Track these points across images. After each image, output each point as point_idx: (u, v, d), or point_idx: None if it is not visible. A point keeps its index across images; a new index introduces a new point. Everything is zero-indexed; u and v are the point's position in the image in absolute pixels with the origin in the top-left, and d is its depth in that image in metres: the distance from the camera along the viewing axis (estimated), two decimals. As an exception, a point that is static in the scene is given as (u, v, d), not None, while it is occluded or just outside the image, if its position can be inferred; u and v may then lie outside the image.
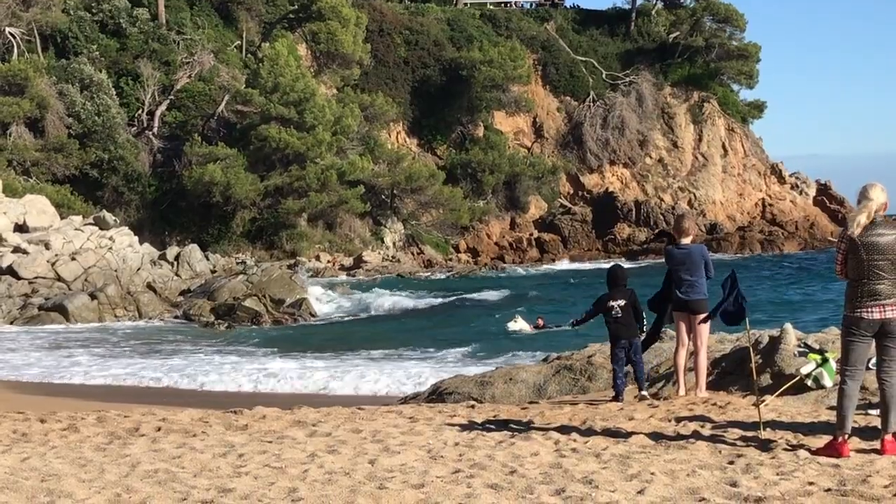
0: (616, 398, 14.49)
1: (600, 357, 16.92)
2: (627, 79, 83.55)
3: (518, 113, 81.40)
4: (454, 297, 50.46)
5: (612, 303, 14.58)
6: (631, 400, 14.47)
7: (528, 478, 9.65)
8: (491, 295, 51.10)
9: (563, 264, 71.67)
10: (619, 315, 14.53)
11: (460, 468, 10.19)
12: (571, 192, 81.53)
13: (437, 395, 17.70)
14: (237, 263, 58.24)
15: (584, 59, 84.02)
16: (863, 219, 10.20)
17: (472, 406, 15.20)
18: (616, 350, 14.64)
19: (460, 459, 10.70)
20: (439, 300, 50.10)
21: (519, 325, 37.04)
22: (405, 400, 18.75)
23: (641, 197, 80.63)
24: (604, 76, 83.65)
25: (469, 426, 12.84)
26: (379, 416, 14.30)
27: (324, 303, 48.29)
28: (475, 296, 51.08)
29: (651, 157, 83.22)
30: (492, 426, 12.80)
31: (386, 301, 49.09)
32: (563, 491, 9.04)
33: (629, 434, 11.80)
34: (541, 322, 37.37)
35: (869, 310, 10.22)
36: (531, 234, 77.51)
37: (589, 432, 12.06)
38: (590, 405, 14.31)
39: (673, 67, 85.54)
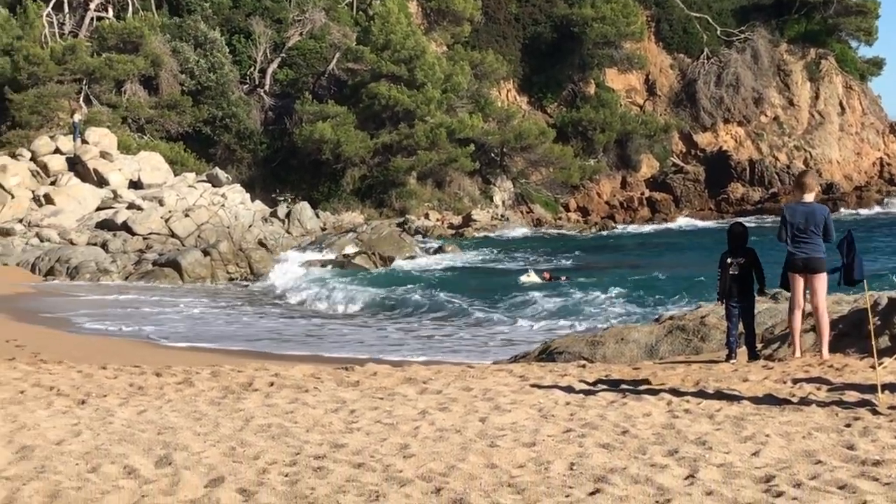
0: (729, 356, 14.38)
1: (714, 318, 16.73)
2: (742, 35, 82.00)
3: (630, 70, 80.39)
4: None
5: (730, 259, 14.51)
6: (744, 361, 14.32)
7: (641, 438, 9.57)
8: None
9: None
10: (736, 273, 14.44)
11: (571, 427, 10.14)
12: (684, 150, 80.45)
13: (547, 354, 17.66)
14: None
15: (698, 15, 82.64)
16: None
17: (583, 365, 15.14)
18: (730, 307, 14.53)
19: (571, 419, 10.65)
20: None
21: (532, 278, 38.69)
22: (515, 359, 18.73)
23: (756, 156, 79.28)
24: (718, 33, 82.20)
25: (580, 385, 12.78)
26: (489, 374, 14.31)
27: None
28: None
29: (766, 116, 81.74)
30: (603, 386, 12.73)
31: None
32: (676, 452, 8.95)
33: (743, 395, 11.65)
34: (547, 275, 39.24)
35: None
36: (642, 194, 76.67)
37: (702, 393, 11.93)
38: (703, 366, 14.17)
39: (789, 24, 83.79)
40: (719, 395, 11.73)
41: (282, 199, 61.31)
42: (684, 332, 16.83)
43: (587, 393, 12.22)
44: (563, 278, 39.30)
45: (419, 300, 34.05)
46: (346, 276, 41.80)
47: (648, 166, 78.51)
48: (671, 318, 18.09)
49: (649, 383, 12.75)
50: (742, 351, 14.64)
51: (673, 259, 48.09)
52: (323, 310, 34.41)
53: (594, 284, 36.75)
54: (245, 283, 41.77)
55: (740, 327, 14.66)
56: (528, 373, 14.22)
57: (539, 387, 12.76)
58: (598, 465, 8.55)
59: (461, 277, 41.88)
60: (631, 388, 12.46)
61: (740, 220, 19.90)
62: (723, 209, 75.22)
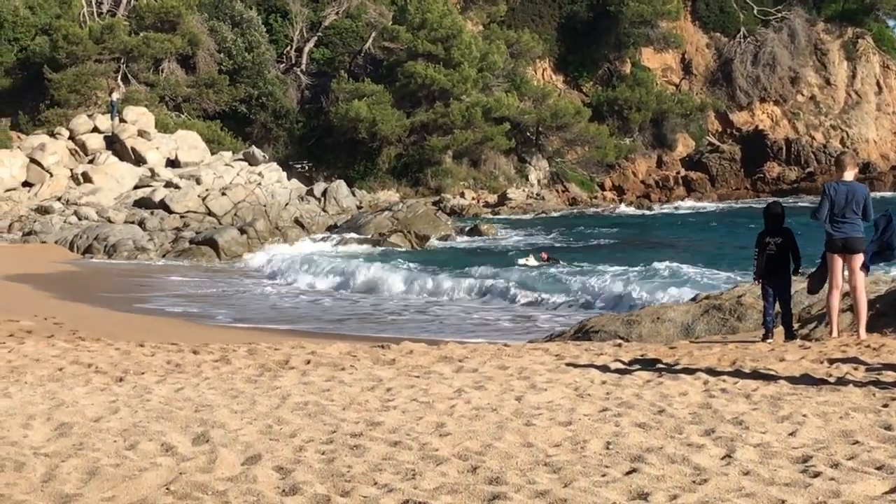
0: (766, 336, 14.36)
1: (750, 297, 16.68)
2: (779, 14, 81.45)
3: (666, 49, 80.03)
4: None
5: (768, 239, 14.51)
6: (781, 340, 14.27)
7: (677, 417, 9.55)
8: None
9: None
10: (773, 252, 14.44)
11: (608, 406, 10.13)
12: (720, 129, 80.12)
13: (582, 333, 17.65)
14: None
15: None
16: None
17: (619, 345, 15.12)
18: (766, 287, 14.52)
19: (607, 398, 10.64)
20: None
21: (531, 261, 39.05)
22: (551, 337, 18.72)
23: (792, 135, 78.87)
24: (755, 12, 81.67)
25: (616, 365, 12.76)
26: (525, 353, 14.31)
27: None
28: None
29: (803, 95, 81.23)
30: (639, 365, 12.71)
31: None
32: (712, 431, 8.93)
33: (780, 375, 11.61)
34: (545, 255, 39.77)
35: None
36: (678, 173, 76.47)
37: (739, 373, 11.90)
38: (739, 345, 14.13)
39: (826, 3, 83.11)
40: (756, 375, 11.69)
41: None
42: (721, 312, 16.79)
43: (623, 372, 12.20)
44: (558, 261, 39.38)
45: (442, 280, 33.91)
46: (357, 256, 41.74)
47: (684, 145, 78.23)
48: (707, 297, 18.04)
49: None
50: (779, 331, 14.60)
51: (684, 238, 48.43)
52: (336, 290, 34.17)
53: (593, 264, 36.80)
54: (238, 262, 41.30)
55: (777, 307, 14.62)
56: (563, 352, 14.22)
57: (575, 366, 12.75)
58: (634, 444, 8.55)
59: (477, 256, 41.89)
60: (667, 367, 12.44)
61: (777, 199, 19.81)
62: (759, 188, 74.94)
